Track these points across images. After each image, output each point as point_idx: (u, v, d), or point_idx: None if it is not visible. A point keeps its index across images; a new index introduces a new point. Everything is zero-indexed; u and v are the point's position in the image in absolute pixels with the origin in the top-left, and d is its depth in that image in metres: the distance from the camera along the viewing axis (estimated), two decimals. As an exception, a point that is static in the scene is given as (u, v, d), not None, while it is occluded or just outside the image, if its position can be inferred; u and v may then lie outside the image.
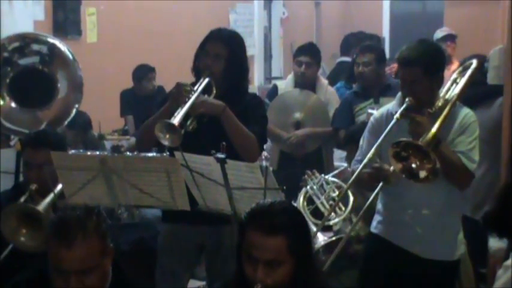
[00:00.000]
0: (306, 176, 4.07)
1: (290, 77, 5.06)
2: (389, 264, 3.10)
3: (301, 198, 4.03)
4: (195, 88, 3.12)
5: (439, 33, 7.02)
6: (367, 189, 3.25)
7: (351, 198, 3.88)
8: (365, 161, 2.98)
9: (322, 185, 4.09)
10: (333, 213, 4.00)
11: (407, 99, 2.95)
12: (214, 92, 3.18)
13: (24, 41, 3.99)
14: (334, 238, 3.83)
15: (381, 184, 2.98)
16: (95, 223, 2.22)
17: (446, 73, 6.13)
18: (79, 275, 2.17)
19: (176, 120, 2.97)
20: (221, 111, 3.13)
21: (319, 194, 4.07)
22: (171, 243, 3.34)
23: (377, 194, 3.08)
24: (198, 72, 3.27)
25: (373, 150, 2.95)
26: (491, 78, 4.30)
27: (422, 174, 2.80)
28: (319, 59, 4.96)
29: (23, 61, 3.95)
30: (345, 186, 3.57)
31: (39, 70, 3.94)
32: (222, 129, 3.14)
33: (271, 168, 3.13)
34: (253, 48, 9.03)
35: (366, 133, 3.17)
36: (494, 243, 3.59)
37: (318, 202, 4.01)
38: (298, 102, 4.89)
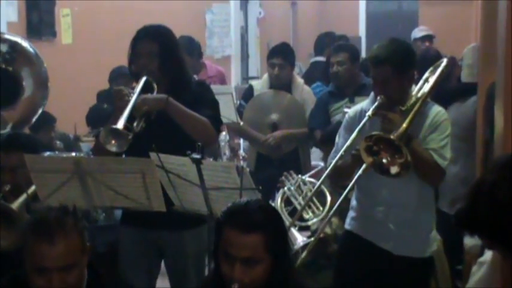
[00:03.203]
0: (283, 177, 4.07)
1: (265, 77, 5.06)
2: (362, 261, 3.12)
3: (279, 199, 4.02)
4: (134, 90, 3.07)
5: (417, 33, 7.08)
6: (342, 181, 3.26)
7: (329, 198, 3.89)
8: (338, 155, 3.01)
9: (299, 186, 4.10)
10: (310, 213, 4.01)
11: (379, 98, 2.99)
12: (156, 88, 3.13)
13: None
14: (312, 239, 3.83)
15: (354, 179, 2.99)
16: (72, 220, 2.25)
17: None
18: (61, 272, 2.18)
19: (120, 124, 2.92)
20: (165, 104, 3.07)
21: (297, 194, 4.07)
22: (130, 247, 3.27)
23: (351, 189, 3.10)
24: (136, 76, 3.21)
25: (346, 145, 2.99)
26: (465, 76, 4.34)
27: (394, 169, 2.83)
28: (293, 59, 4.95)
29: None
30: (322, 186, 3.58)
31: (2, 69, 3.87)
32: (172, 121, 3.10)
33: (248, 169, 3.12)
34: (230, 48, 9.03)
35: (341, 130, 3.20)
36: (470, 240, 3.62)
37: (295, 203, 4.01)
38: (273, 103, 4.88)
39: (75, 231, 2.23)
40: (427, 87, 3.08)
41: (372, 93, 3.12)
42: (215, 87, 5.36)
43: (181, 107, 3.11)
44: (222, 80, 5.95)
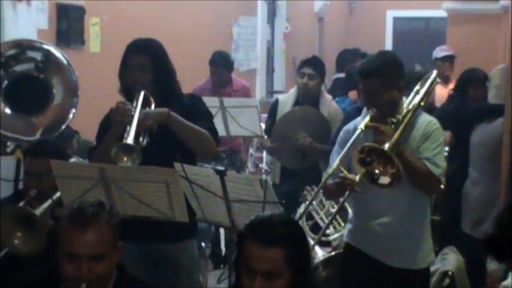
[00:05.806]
0: (305, 192, 4.06)
1: (292, 91, 5.04)
2: (361, 272, 3.12)
3: (300, 214, 4.02)
4: (134, 105, 3.08)
5: (439, 53, 7.06)
6: (335, 198, 3.24)
7: (350, 214, 3.87)
8: (329, 172, 3.03)
9: (321, 201, 4.09)
10: (332, 229, 4.00)
11: (370, 111, 3.01)
12: (153, 102, 3.15)
13: (20, 48, 3.98)
14: (333, 253, 3.83)
15: (347, 192, 2.99)
16: (107, 214, 2.36)
17: (443, 91, 6.15)
18: (90, 260, 2.26)
19: (130, 139, 2.93)
20: (167, 117, 3.09)
21: (319, 209, 4.06)
22: (127, 261, 3.23)
23: (345, 201, 3.11)
24: (128, 90, 3.22)
25: (337, 161, 3.00)
26: (492, 97, 4.32)
27: (386, 180, 2.84)
28: (323, 73, 4.91)
29: (18, 68, 3.94)
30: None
31: (34, 76, 3.93)
32: (173, 134, 3.10)
33: (271, 182, 3.11)
34: (256, 61, 9.06)
35: (336, 147, 3.21)
36: (493, 262, 3.59)
37: (317, 217, 4.01)
38: (300, 120, 4.80)
39: (108, 225, 2.33)
40: (417, 99, 3.08)
41: (365, 109, 3.13)
42: (240, 100, 5.40)
43: (182, 120, 3.12)
44: (246, 94, 5.96)
